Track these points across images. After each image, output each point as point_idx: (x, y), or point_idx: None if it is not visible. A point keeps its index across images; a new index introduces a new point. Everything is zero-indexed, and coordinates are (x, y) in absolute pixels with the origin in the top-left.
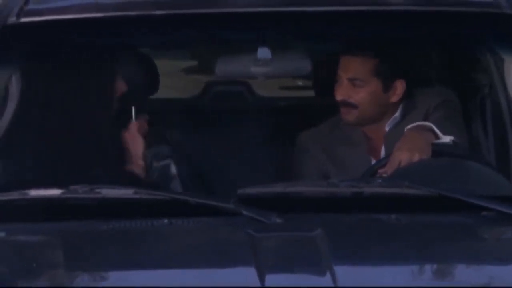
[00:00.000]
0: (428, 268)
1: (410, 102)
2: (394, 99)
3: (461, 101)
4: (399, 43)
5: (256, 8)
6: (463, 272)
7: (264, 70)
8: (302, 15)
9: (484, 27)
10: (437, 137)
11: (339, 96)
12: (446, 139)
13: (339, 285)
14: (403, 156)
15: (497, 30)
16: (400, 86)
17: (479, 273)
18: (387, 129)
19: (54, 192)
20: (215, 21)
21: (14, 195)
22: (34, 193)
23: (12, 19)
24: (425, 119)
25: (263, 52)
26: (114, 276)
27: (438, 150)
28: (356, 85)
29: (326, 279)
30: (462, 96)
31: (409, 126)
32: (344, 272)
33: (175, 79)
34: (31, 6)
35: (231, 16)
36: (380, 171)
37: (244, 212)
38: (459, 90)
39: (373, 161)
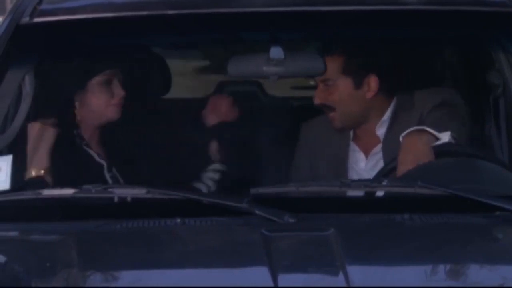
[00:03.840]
0: (441, 268)
1: (401, 103)
2: (370, 94)
3: (474, 101)
4: (372, 40)
5: (269, 7)
6: (477, 273)
7: (277, 69)
8: (314, 15)
9: (497, 26)
10: (436, 138)
11: (316, 100)
12: (445, 137)
13: (352, 285)
14: (409, 168)
15: (510, 29)
16: (373, 81)
17: (493, 273)
18: (377, 131)
19: (67, 191)
20: (228, 20)
21: (27, 195)
22: (47, 192)
23: (26, 19)
24: (420, 121)
25: (276, 52)
26: (127, 276)
27: (440, 151)
28: (328, 86)
29: (339, 279)
30: (475, 96)
31: (404, 133)
32: (357, 272)
33: (187, 79)
34: (44, 6)
35: (244, 16)
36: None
37: (257, 212)
38: (472, 89)
39: (364, 157)
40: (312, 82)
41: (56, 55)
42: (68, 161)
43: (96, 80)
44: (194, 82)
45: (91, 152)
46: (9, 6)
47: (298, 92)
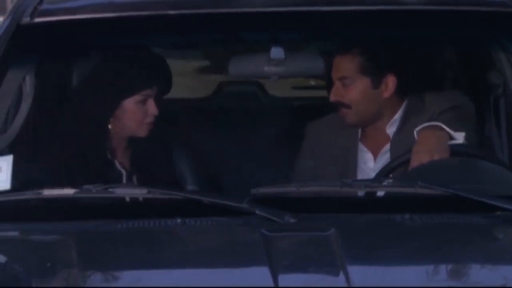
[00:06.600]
0: (442, 268)
1: (413, 105)
2: (387, 94)
3: (474, 101)
4: (389, 40)
5: (269, 7)
6: (477, 273)
7: (278, 70)
8: (314, 15)
9: (498, 26)
10: (450, 136)
11: (332, 97)
12: (459, 137)
13: (352, 285)
14: (424, 158)
15: (510, 29)
16: (391, 81)
17: (494, 273)
18: (388, 130)
19: (68, 191)
20: (228, 20)
21: (28, 195)
22: (47, 192)
23: (26, 19)
24: (430, 122)
25: (277, 52)
26: (127, 276)
27: (455, 151)
28: (346, 85)
29: (340, 279)
30: (475, 96)
31: (418, 128)
32: (358, 272)
33: (187, 79)
34: (45, 6)
35: (244, 16)
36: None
37: (258, 212)
38: (472, 90)
39: (372, 158)
40: (312, 82)
41: (56, 55)
42: (90, 169)
43: (133, 99)
44: (194, 82)
45: (115, 161)
46: (9, 6)
47: (299, 92)
